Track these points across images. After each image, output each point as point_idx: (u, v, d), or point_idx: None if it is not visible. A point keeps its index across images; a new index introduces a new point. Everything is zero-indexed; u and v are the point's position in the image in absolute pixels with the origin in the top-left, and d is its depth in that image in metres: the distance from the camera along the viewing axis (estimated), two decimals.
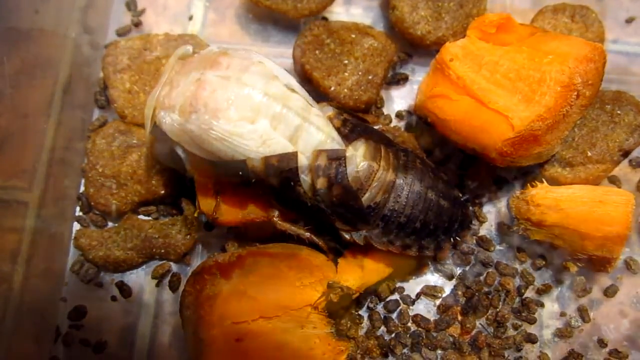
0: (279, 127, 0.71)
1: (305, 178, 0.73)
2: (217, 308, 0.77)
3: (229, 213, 0.81)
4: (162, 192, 0.87)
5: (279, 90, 0.72)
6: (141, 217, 0.89)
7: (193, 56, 0.76)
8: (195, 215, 0.84)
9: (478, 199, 0.91)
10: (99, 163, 0.86)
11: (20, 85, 0.87)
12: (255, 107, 0.70)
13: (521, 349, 0.85)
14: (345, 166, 0.73)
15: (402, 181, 0.75)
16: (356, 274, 0.81)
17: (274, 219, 0.79)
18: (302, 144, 0.72)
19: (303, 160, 0.73)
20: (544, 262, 0.88)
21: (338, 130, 0.75)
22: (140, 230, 0.85)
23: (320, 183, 0.73)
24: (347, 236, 0.78)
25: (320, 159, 0.73)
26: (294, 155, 0.72)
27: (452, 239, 0.81)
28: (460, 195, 0.82)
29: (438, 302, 0.87)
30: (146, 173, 0.86)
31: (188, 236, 0.86)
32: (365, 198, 0.74)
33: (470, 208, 0.90)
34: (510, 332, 0.86)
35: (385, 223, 0.76)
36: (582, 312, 0.87)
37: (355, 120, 0.78)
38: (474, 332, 0.85)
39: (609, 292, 0.88)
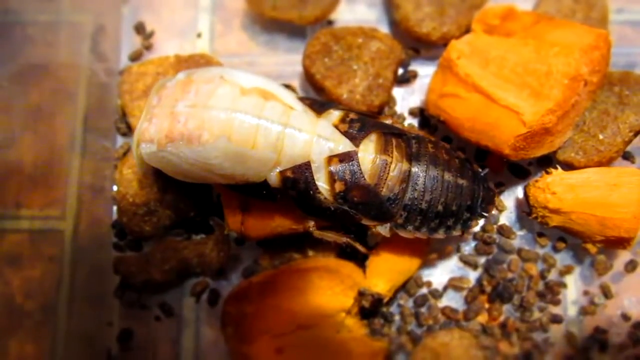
0: (257, 139, 0.73)
1: (323, 185, 0.76)
2: (256, 323, 0.82)
3: (257, 228, 0.84)
4: (192, 213, 0.91)
5: (250, 103, 0.74)
6: (175, 238, 0.92)
7: (167, 87, 0.78)
8: (225, 232, 0.88)
9: (496, 188, 0.94)
10: (129, 193, 0.90)
11: (42, 118, 0.90)
12: (224, 127, 0.73)
13: (548, 330, 0.89)
14: (359, 166, 0.75)
15: (417, 169, 0.77)
16: (384, 277, 0.84)
17: (311, 229, 0.82)
18: (288, 150, 0.74)
19: (317, 168, 0.75)
20: (564, 244, 0.91)
21: (346, 133, 0.76)
22: (175, 251, 0.89)
23: (338, 187, 0.75)
24: (380, 230, 0.80)
25: (333, 164, 0.75)
26: (307, 165, 0.75)
27: (478, 215, 0.83)
28: (480, 170, 0.83)
29: (465, 292, 0.91)
30: (175, 197, 0.90)
31: (221, 253, 0.89)
32: (384, 191, 0.77)
33: None
34: (537, 314, 0.89)
35: (407, 212, 0.78)
36: (605, 289, 0.90)
37: (363, 117, 0.79)
38: (502, 318, 0.89)
39: (630, 267, 0.91)
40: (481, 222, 0.92)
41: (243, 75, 0.77)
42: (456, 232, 0.82)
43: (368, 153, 0.76)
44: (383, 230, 0.80)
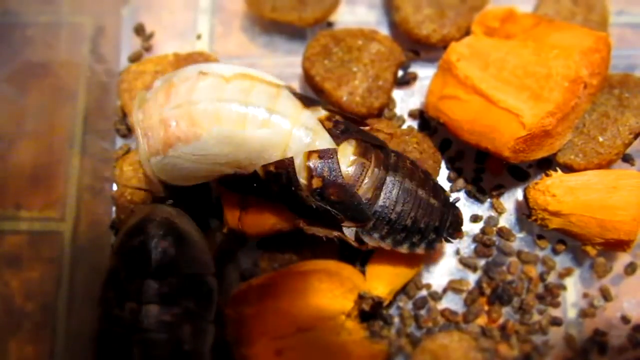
0: (246, 124, 0.74)
1: (302, 180, 0.76)
2: (256, 326, 0.81)
3: (255, 225, 0.84)
4: (190, 214, 0.91)
5: (235, 90, 0.75)
6: None
7: (147, 99, 0.80)
8: (225, 231, 0.88)
9: (496, 190, 0.94)
10: (128, 190, 0.90)
11: (42, 120, 0.90)
12: (214, 117, 0.73)
13: (547, 333, 0.89)
14: (338, 164, 0.75)
15: (392, 178, 0.77)
16: (384, 280, 0.84)
17: (301, 224, 0.82)
18: (273, 135, 0.74)
19: (298, 164, 0.75)
20: (563, 247, 0.91)
21: (330, 130, 0.76)
22: None
23: (316, 183, 0.75)
24: (346, 232, 0.79)
25: (312, 159, 0.75)
26: (290, 161, 0.75)
27: (443, 240, 0.83)
28: (451, 197, 0.84)
29: (464, 295, 0.90)
30: (173, 197, 0.89)
31: (224, 245, 0.90)
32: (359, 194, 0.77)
33: (489, 200, 0.94)
34: (536, 317, 0.89)
35: (376, 219, 0.78)
36: (604, 292, 0.90)
37: (348, 123, 0.80)
38: (501, 320, 0.89)
39: (629, 269, 0.91)
40: (481, 224, 0.93)
41: (223, 66, 0.78)
42: (419, 250, 0.81)
43: (347, 154, 0.76)
44: (349, 233, 0.80)
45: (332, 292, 0.83)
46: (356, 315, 0.84)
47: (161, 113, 0.76)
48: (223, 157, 0.75)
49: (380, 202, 0.77)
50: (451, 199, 0.83)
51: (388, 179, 0.77)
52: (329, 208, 0.76)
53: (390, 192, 0.77)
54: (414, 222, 0.78)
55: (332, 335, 0.82)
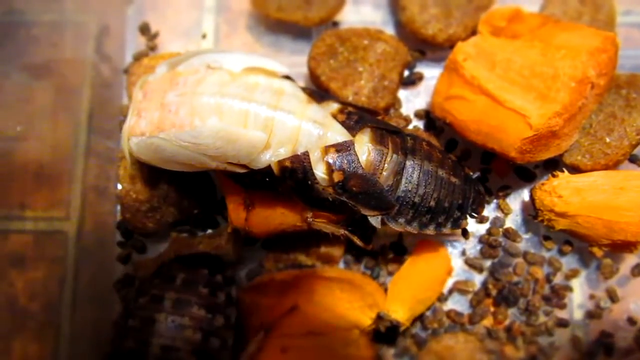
0: (247, 121, 0.74)
1: (321, 175, 0.75)
2: (269, 318, 0.82)
3: (261, 225, 0.84)
4: (195, 211, 0.91)
5: (239, 88, 0.75)
6: (180, 234, 0.91)
7: (150, 82, 0.80)
8: (229, 230, 0.87)
9: (502, 190, 0.93)
10: (132, 189, 0.89)
11: (46, 119, 0.90)
12: (214, 111, 0.73)
13: (553, 334, 0.88)
14: (356, 155, 0.75)
15: (412, 162, 0.77)
16: (405, 305, 0.84)
17: (309, 219, 0.81)
18: (278, 133, 0.74)
19: (315, 158, 0.75)
20: (570, 248, 0.91)
21: (344, 123, 0.76)
22: (190, 248, 0.89)
23: (337, 176, 0.75)
24: (372, 221, 0.79)
25: (330, 154, 0.75)
26: (306, 155, 0.74)
27: (468, 216, 0.83)
28: (471, 173, 0.83)
29: (470, 296, 0.90)
30: (178, 195, 0.89)
31: (237, 244, 0.89)
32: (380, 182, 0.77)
33: (495, 200, 0.93)
34: (542, 318, 0.89)
35: (400, 204, 0.78)
36: (611, 293, 0.90)
37: (361, 112, 0.80)
38: (507, 321, 0.89)
39: (636, 270, 0.91)
40: (487, 225, 0.93)
41: (230, 57, 0.78)
42: (446, 230, 0.81)
43: (364, 143, 0.76)
44: (375, 221, 0.79)
45: (351, 303, 0.83)
46: (369, 333, 0.84)
47: (163, 97, 0.76)
48: (212, 150, 0.75)
49: (402, 187, 0.77)
50: (472, 175, 0.83)
51: (407, 163, 0.77)
52: (346, 200, 0.76)
53: (411, 176, 0.77)
54: (438, 203, 0.78)
55: (340, 345, 0.82)
